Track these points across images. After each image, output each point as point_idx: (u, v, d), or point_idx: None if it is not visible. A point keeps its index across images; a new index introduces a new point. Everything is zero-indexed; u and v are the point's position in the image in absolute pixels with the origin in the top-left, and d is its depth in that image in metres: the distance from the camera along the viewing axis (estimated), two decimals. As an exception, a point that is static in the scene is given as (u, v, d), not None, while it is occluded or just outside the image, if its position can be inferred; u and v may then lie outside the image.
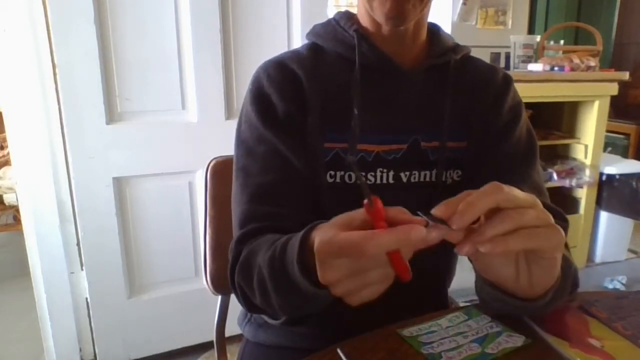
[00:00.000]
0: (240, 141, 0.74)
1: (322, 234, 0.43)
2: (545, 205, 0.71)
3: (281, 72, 0.72)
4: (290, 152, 0.70)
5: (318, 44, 0.77)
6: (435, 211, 0.44)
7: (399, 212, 0.42)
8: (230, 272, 0.67)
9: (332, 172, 0.72)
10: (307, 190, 0.71)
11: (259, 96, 0.72)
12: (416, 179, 0.74)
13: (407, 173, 0.74)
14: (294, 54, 0.76)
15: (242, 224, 0.69)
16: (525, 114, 0.80)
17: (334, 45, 0.75)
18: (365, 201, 0.41)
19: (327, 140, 0.72)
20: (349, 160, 0.71)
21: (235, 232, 0.70)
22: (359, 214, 0.43)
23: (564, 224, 0.70)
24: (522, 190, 0.71)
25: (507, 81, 0.80)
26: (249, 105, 0.73)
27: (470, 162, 0.76)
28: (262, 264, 0.57)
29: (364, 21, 0.75)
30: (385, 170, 0.73)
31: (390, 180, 0.73)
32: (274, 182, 0.69)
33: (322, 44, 0.76)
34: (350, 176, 0.72)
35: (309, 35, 0.79)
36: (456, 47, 0.77)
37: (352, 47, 0.73)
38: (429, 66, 0.74)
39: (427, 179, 0.75)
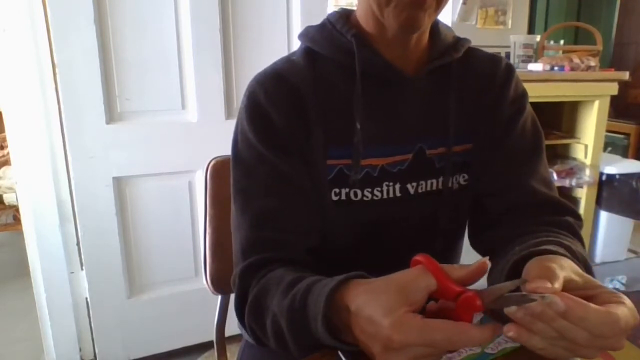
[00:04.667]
0: (237, 160, 0.68)
1: (391, 316, 0.41)
2: (557, 202, 0.72)
3: (279, 85, 0.66)
4: (293, 173, 0.66)
5: (313, 49, 0.70)
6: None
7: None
8: (237, 307, 0.64)
9: (337, 190, 0.68)
10: (312, 211, 0.67)
11: (256, 113, 0.66)
12: (423, 189, 0.71)
13: (414, 184, 0.70)
14: (290, 64, 0.69)
15: (244, 253, 0.64)
16: (529, 106, 0.76)
17: (331, 52, 0.68)
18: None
19: (330, 157, 0.67)
20: (353, 180, 0.67)
21: (238, 262, 0.66)
22: (419, 291, 0.43)
23: (579, 222, 0.70)
24: (530, 185, 0.71)
25: (509, 71, 0.75)
26: (246, 123, 0.67)
27: (476, 163, 0.73)
28: (277, 312, 0.54)
29: (365, 23, 0.68)
30: (391, 184, 0.69)
31: (397, 194, 0.70)
32: (277, 205, 0.65)
33: (318, 49, 0.69)
34: (355, 193, 0.68)
35: (302, 37, 0.72)
36: (456, 44, 0.72)
37: (351, 54, 0.66)
38: (431, 69, 0.69)
39: (434, 187, 0.71)
